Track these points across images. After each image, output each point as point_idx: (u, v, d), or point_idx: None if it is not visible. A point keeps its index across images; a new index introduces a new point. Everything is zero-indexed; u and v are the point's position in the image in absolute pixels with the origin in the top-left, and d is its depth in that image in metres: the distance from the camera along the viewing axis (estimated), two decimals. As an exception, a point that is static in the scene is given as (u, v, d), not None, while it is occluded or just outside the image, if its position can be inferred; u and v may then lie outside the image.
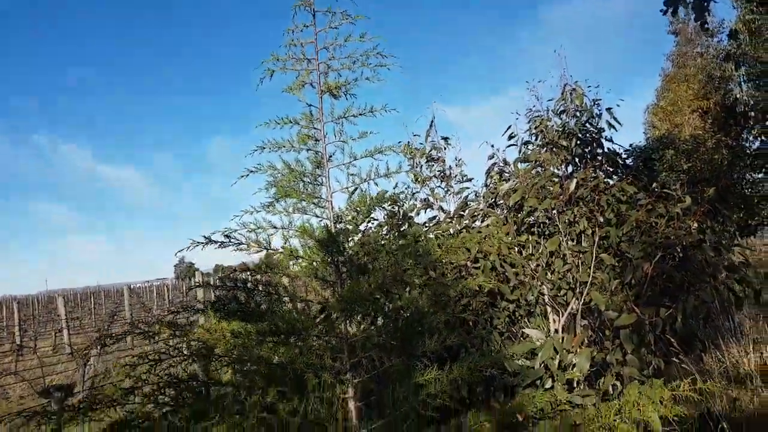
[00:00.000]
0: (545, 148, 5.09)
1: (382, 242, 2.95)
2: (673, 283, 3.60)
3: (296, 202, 2.34)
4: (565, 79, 5.57)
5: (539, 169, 4.33)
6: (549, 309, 3.90)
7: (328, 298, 2.24)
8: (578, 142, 5.41)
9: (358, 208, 2.35)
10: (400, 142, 2.28)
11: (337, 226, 2.24)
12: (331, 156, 2.36)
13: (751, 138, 9.61)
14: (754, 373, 4.67)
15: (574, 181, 3.85)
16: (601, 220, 3.89)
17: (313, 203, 2.30)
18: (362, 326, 2.80)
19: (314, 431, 1.98)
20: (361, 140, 2.32)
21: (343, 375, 2.12)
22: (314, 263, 2.24)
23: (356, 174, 2.32)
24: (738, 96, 9.15)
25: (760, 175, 8.82)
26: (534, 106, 5.61)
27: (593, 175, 4.05)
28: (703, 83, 10.13)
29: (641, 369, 3.37)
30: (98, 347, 2.02)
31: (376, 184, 2.33)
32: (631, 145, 7.70)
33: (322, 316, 2.43)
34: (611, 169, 5.72)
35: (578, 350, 3.14)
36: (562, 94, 5.54)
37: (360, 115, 2.32)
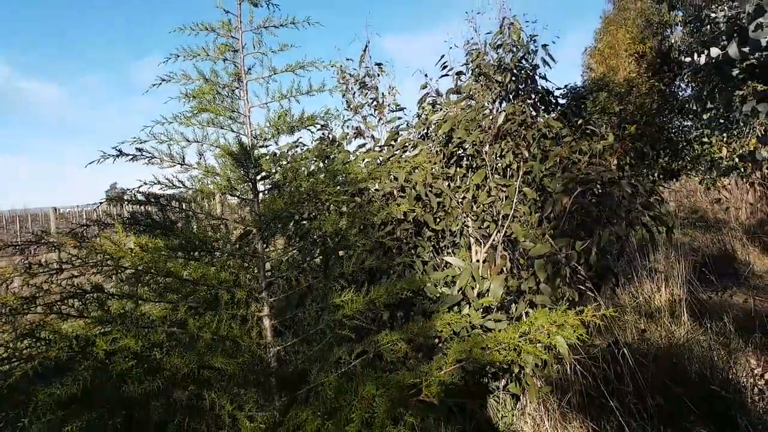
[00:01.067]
0: (479, 81, 5.07)
1: (311, 167, 2.88)
2: (591, 218, 3.76)
3: (213, 116, 2.23)
4: (504, 13, 5.50)
5: (471, 101, 4.32)
6: (472, 240, 4.01)
7: (245, 217, 2.19)
8: (513, 78, 5.43)
9: (279, 126, 2.27)
10: (322, 60, 2.17)
11: (255, 142, 2.16)
12: (249, 68, 2.23)
13: (683, 85, 9.96)
14: (664, 308, 5.08)
15: (503, 114, 3.88)
16: (527, 154, 3.97)
17: (230, 118, 2.19)
18: (287, 249, 2.78)
19: (226, 347, 1.97)
20: (282, 53, 2.20)
21: (259, 294, 2.11)
22: (231, 181, 2.17)
23: (276, 89, 2.22)
24: (673, 42, 9.38)
25: (688, 123, 9.24)
26: (472, 38, 5.53)
27: (522, 109, 4.09)
28: (642, 27, 10.30)
29: (554, 298, 3.57)
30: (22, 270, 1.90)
31: (298, 101, 2.24)
32: (566, 86, 7.83)
33: (242, 234, 2.39)
34: (543, 107, 5.81)
35: (493, 277, 3.27)
36: (500, 28, 5.48)
37: (281, 26, 2.19)
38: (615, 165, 3.79)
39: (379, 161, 3.80)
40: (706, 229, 7.10)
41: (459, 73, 4.41)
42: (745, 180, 7.32)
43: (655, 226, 3.74)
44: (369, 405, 1.70)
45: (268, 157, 2.54)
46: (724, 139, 7.25)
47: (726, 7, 3.54)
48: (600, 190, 3.86)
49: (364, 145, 4.11)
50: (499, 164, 4.08)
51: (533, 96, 5.81)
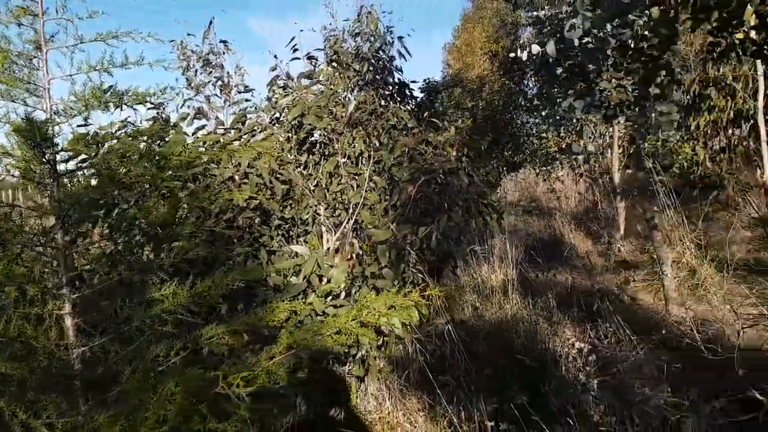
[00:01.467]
0: (336, 69, 5.07)
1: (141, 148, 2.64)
2: (433, 205, 3.95)
3: (6, 88, 1.94)
4: (362, 1, 5.53)
5: (325, 88, 4.29)
6: (324, 228, 4.01)
7: (43, 203, 1.95)
8: (371, 67, 5.49)
9: (89, 101, 2.04)
10: (139, 30, 1.98)
11: (55, 118, 1.92)
12: (52, 36, 1.98)
13: (531, 84, 10.82)
14: (498, 288, 5.51)
15: (353, 102, 3.90)
16: (377, 144, 4.06)
17: (27, 90, 1.92)
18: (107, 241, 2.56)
19: (15, 349, 1.75)
20: (91, 21, 1.98)
21: (59, 290, 1.90)
22: (29, 162, 1.91)
23: (84, 60, 1.99)
24: (522, 42, 10.13)
25: (531, 119, 10.06)
26: (330, 23, 5.50)
27: (373, 99, 4.15)
28: (497, 27, 11.01)
29: (399, 282, 3.70)
30: None
31: (111, 74, 2.03)
32: (425, 80, 8.15)
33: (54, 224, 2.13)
34: (400, 98, 5.97)
35: (336, 264, 3.30)
36: (358, 16, 5.52)
37: (90, -11, 1.97)
38: (454, 156, 4.01)
39: (221, 144, 3.61)
40: (541, 216, 7.86)
41: (310, 57, 4.34)
42: (575, 172, 8.22)
43: (489, 213, 4.03)
44: (167, 402, 1.60)
45: (88, 137, 2.28)
46: (560, 134, 8.05)
47: (547, 8, 3.88)
48: (442, 180, 4.06)
49: (203, 126, 3.88)
50: (351, 152, 4.10)
51: (390, 87, 5.93)
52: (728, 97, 7.93)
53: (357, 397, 3.80)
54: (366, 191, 3.86)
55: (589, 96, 3.52)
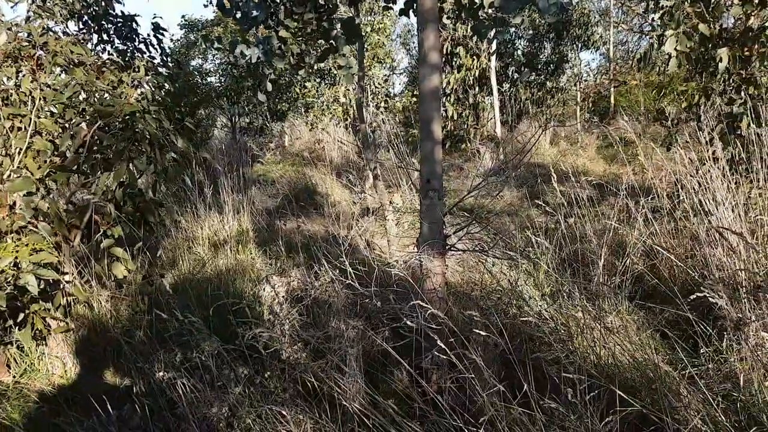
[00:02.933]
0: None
1: None
2: (115, 152, 3.64)
3: None
4: None
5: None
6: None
7: None
8: (76, -4, 4.88)
9: None
10: None
11: None
12: None
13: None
14: (231, 238, 5.44)
15: (3, 35, 3.37)
16: (49, 81, 3.60)
17: None
18: None
19: None
20: None
21: None
22: None
23: None
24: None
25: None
26: (18, -62, 4.76)
27: (42, 31, 3.63)
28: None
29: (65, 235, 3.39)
30: None
31: None
32: (182, 16, 7.56)
33: None
34: (125, 34, 5.42)
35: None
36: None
37: None
38: (135, 98, 3.73)
39: None
40: (308, 165, 7.92)
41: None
42: (337, 124, 8.42)
43: (180, 161, 3.87)
44: None
45: None
46: (320, 85, 8.13)
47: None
48: (126, 124, 3.76)
49: None
50: (15, 91, 3.58)
51: (111, 21, 5.36)
52: (475, 57, 8.70)
53: (40, 362, 3.47)
54: (30, 136, 3.44)
55: (263, 44, 3.47)
